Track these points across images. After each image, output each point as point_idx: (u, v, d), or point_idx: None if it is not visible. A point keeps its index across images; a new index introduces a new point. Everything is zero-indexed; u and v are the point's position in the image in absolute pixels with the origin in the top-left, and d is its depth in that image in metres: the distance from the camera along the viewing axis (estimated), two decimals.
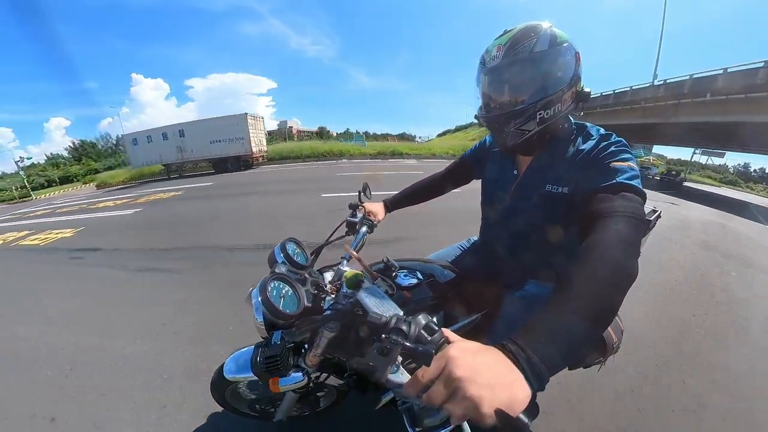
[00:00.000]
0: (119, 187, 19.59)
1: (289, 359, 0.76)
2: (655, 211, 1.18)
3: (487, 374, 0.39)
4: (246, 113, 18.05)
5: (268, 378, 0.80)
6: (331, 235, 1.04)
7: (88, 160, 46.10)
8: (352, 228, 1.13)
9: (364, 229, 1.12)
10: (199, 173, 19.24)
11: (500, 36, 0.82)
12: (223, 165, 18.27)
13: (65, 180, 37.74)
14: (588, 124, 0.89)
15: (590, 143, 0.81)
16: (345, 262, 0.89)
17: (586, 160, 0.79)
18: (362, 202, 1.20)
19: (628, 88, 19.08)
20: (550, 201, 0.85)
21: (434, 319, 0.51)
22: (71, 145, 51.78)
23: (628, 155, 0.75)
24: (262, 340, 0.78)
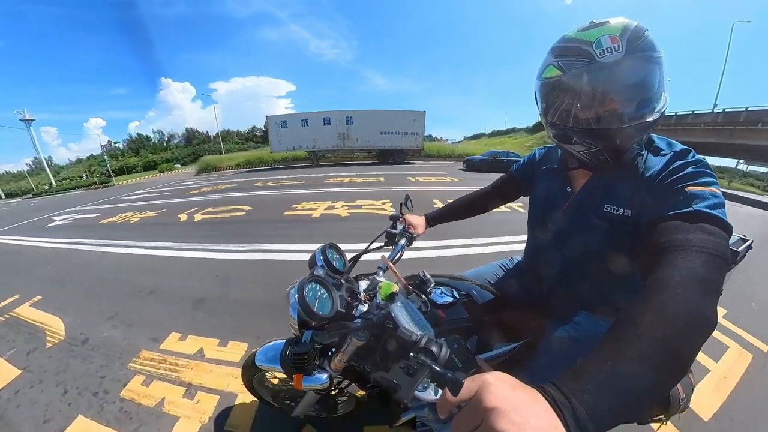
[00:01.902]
0: (241, 171, 19.37)
1: (315, 359, 0.78)
2: (744, 240, 0.98)
3: (523, 412, 0.35)
4: (424, 111, 18.22)
5: (293, 374, 0.82)
6: (370, 244, 1.05)
7: (145, 153, 51.61)
8: (391, 239, 1.13)
9: (403, 241, 1.11)
10: (344, 162, 18.82)
11: (599, 25, 0.66)
12: (386, 156, 18.40)
13: (125, 170, 40.42)
14: (654, 135, 0.76)
15: (661, 160, 0.70)
16: (381, 272, 0.90)
17: (656, 181, 0.67)
18: (403, 214, 1.20)
19: (690, 112, 23.83)
20: (608, 224, 0.75)
21: (468, 345, 0.49)
22: (129, 137, 58.62)
23: (710, 178, 0.62)
24: (294, 336, 0.81)
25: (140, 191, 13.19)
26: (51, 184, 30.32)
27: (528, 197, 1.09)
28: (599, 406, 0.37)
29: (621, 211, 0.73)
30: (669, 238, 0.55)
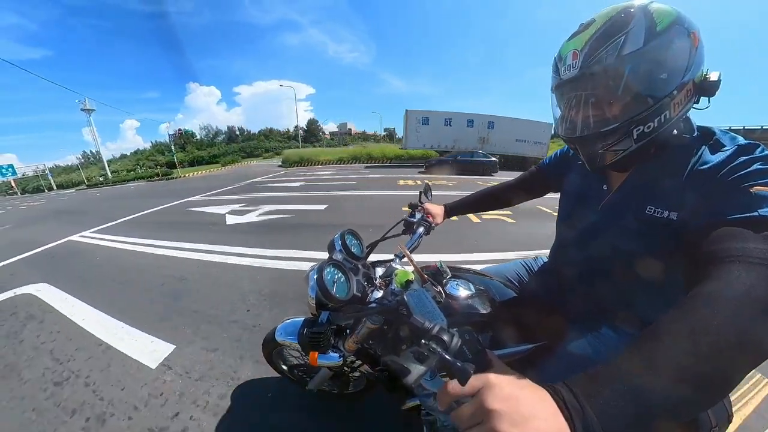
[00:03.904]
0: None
1: (330, 339, 0.81)
2: None
3: (526, 413, 0.34)
4: (552, 123, 18.97)
5: (309, 350, 0.86)
6: (388, 231, 1.06)
7: (191, 148, 52.17)
8: (409, 227, 1.13)
9: (420, 230, 1.11)
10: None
11: (576, 34, 0.66)
12: (508, 163, 18.46)
13: (174, 165, 39.76)
14: (717, 129, 0.68)
15: (720, 156, 0.60)
16: (397, 260, 0.91)
17: (713, 179, 0.58)
18: (422, 203, 1.20)
19: (759, 127, 24.42)
20: (648, 228, 0.68)
21: (480, 339, 0.49)
22: (175, 131, 60.32)
23: None
24: (312, 316, 0.85)
25: (258, 179, 11.89)
26: (107, 175, 30.66)
27: (558, 194, 1.03)
28: (612, 415, 0.34)
29: (666, 214, 0.65)
30: (724, 246, 0.47)
